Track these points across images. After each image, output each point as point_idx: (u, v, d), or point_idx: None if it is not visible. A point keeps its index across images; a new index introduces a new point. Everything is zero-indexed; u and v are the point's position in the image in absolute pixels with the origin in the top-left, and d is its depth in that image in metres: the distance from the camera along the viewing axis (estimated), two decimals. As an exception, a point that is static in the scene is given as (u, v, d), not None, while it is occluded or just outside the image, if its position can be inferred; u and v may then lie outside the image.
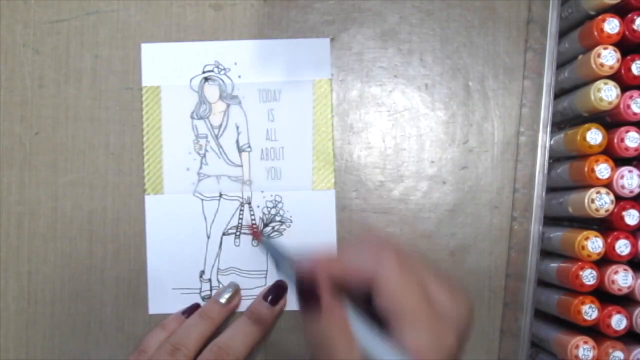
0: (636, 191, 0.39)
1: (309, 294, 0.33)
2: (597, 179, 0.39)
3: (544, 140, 0.42)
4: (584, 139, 0.39)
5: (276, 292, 0.43)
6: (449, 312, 0.34)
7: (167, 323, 0.43)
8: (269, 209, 0.45)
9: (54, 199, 0.45)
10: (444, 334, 0.33)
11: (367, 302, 0.34)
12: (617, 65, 0.38)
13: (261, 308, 0.43)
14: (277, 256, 0.40)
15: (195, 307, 0.44)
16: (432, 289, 0.35)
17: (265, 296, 0.43)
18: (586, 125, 0.39)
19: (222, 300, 0.43)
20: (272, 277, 0.45)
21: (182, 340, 0.40)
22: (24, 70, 0.46)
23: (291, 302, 0.45)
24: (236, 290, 0.44)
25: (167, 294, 0.44)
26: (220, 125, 0.45)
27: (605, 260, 0.39)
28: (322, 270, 0.33)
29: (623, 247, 0.39)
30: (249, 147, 0.45)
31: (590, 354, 0.39)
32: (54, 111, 0.46)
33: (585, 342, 0.39)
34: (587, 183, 0.39)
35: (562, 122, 0.43)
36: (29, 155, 0.45)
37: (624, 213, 0.39)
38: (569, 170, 0.41)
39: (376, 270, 0.33)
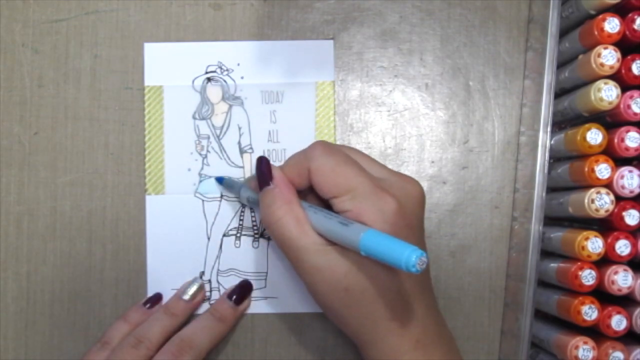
0: (636, 191, 0.39)
1: (264, 172, 0.39)
2: (597, 179, 0.39)
3: (544, 140, 0.42)
4: (584, 139, 0.39)
5: (241, 292, 0.44)
6: (390, 184, 0.38)
7: (128, 314, 0.43)
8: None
9: (53, 199, 0.45)
10: (384, 199, 0.36)
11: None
12: (617, 65, 0.38)
13: (225, 307, 0.43)
14: (236, 185, 0.44)
15: (156, 297, 0.44)
16: (370, 167, 0.39)
17: (229, 295, 0.44)
18: (586, 125, 0.39)
19: (186, 297, 0.44)
20: (272, 279, 0.45)
21: (146, 333, 0.41)
22: (23, 70, 0.45)
23: (282, 305, 0.45)
24: (200, 286, 0.44)
25: (166, 295, 0.44)
26: (222, 126, 0.45)
27: (605, 261, 0.39)
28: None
29: (623, 247, 0.39)
30: (251, 148, 0.45)
31: (590, 355, 0.39)
32: (53, 111, 0.45)
33: (585, 343, 0.39)
34: (587, 183, 0.39)
35: (563, 122, 0.43)
36: (28, 155, 0.45)
37: (624, 213, 0.39)
38: (569, 170, 0.41)
39: (308, 165, 0.38)
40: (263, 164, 0.39)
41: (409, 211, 0.37)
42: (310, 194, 0.40)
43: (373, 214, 0.35)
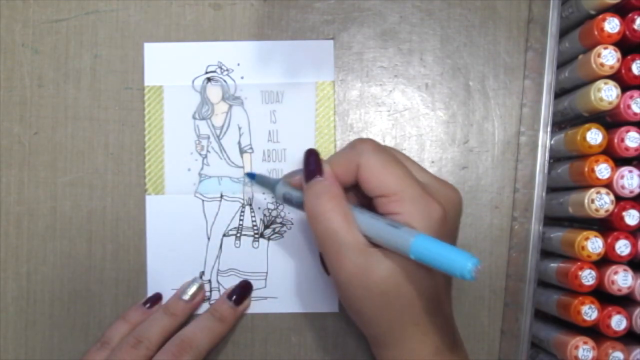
0: (636, 191, 0.39)
1: (313, 163, 0.38)
2: (597, 179, 0.39)
3: (544, 140, 0.42)
4: (584, 139, 0.39)
5: (240, 292, 0.44)
6: (435, 190, 0.37)
7: (128, 314, 0.43)
8: (270, 211, 0.45)
9: (53, 199, 0.45)
10: (431, 205, 0.36)
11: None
12: (617, 65, 0.38)
13: (225, 307, 0.43)
14: (271, 181, 0.42)
15: (156, 297, 0.44)
16: (416, 171, 0.38)
17: (229, 295, 0.44)
18: (586, 125, 0.39)
19: (186, 297, 0.44)
20: (272, 279, 0.45)
21: (145, 333, 0.41)
22: (23, 70, 0.45)
23: (282, 305, 0.45)
24: (200, 286, 0.44)
25: (166, 295, 0.44)
26: (222, 126, 0.45)
27: (605, 261, 0.39)
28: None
29: (623, 247, 0.39)
30: (251, 148, 0.45)
31: (590, 355, 0.39)
32: (53, 111, 0.45)
33: (585, 343, 0.39)
34: (587, 183, 0.39)
35: (563, 122, 0.43)
36: (28, 155, 0.45)
37: (624, 213, 0.39)
38: (569, 170, 0.41)
39: (358, 160, 0.37)
40: (313, 157, 0.39)
41: (451, 219, 0.37)
42: (349, 192, 0.39)
43: (422, 220, 0.35)
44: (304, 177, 0.39)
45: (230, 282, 0.45)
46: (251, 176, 0.44)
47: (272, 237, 0.45)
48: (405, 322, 0.36)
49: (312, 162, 0.38)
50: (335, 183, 0.38)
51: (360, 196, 0.39)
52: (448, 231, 0.37)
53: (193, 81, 0.45)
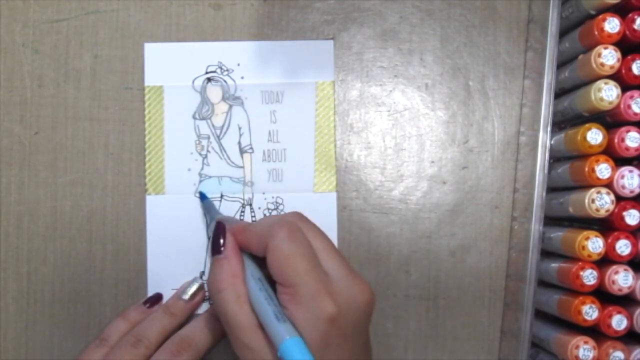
0: (637, 191, 0.39)
1: (217, 241, 0.39)
2: (598, 179, 0.39)
3: (544, 140, 0.42)
4: (585, 138, 0.39)
5: None
6: (339, 287, 0.37)
7: (127, 313, 0.43)
8: (270, 211, 0.45)
9: (54, 199, 0.45)
10: (323, 304, 0.36)
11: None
12: (617, 65, 0.38)
13: None
14: (212, 214, 0.43)
15: (156, 297, 0.44)
16: (331, 262, 0.38)
17: None
18: (586, 125, 0.39)
19: (186, 297, 0.44)
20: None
21: (145, 332, 0.41)
22: (23, 70, 0.45)
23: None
24: (200, 286, 0.44)
25: (166, 295, 0.44)
26: (223, 126, 0.45)
27: (605, 261, 0.39)
28: (231, 229, 0.40)
29: (623, 247, 0.39)
30: (251, 148, 0.45)
31: (591, 354, 0.39)
32: (53, 111, 0.45)
33: (586, 343, 0.39)
34: (587, 183, 0.39)
35: (563, 122, 0.43)
36: (28, 155, 0.45)
37: (624, 213, 0.39)
38: (569, 170, 0.41)
39: (268, 240, 0.37)
40: (219, 230, 0.39)
41: (348, 320, 0.36)
42: None
43: (305, 320, 0.35)
44: (210, 251, 0.40)
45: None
46: (202, 197, 0.44)
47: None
48: None
49: (217, 237, 0.39)
50: (234, 259, 0.39)
51: None
52: (341, 334, 0.36)
53: (193, 81, 0.45)
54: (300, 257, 0.37)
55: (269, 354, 0.36)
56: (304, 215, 0.40)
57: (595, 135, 0.39)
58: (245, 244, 0.39)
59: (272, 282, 0.37)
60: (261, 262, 0.39)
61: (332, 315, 0.35)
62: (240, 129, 0.45)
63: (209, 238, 0.44)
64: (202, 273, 0.45)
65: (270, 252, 0.37)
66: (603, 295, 0.39)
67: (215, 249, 0.39)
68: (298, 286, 0.36)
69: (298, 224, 0.38)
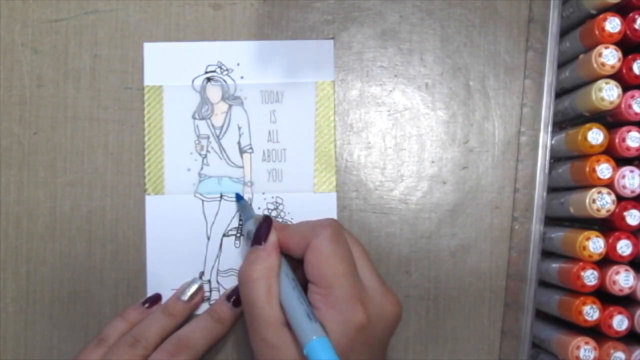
0: (637, 191, 0.39)
1: (262, 233, 0.39)
2: (599, 179, 0.38)
3: (545, 140, 0.42)
4: (585, 138, 0.39)
5: (239, 294, 0.44)
6: (372, 298, 0.37)
7: (126, 313, 0.43)
8: (269, 211, 0.45)
9: (53, 199, 0.45)
10: (355, 312, 0.36)
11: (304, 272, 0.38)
12: (618, 65, 0.38)
13: (223, 308, 0.43)
14: (247, 214, 0.43)
15: (156, 297, 0.44)
16: (366, 273, 0.38)
17: (228, 297, 0.43)
18: (587, 125, 0.39)
19: (185, 298, 0.43)
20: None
21: (143, 333, 0.41)
22: (23, 69, 0.45)
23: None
24: (200, 287, 0.44)
25: (166, 295, 0.44)
26: (222, 126, 0.45)
27: (606, 261, 0.39)
28: (274, 226, 0.40)
29: (624, 247, 0.39)
30: (251, 148, 0.45)
31: (592, 355, 0.39)
32: (52, 111, 0.45)
33: (587, 343, 0.39)
34: (588, 183, 0.39)
35: (563, 122, 0.43)
36: (27, 155, 0.45)
37: (625, 213, 0.39)
38: (570, 170, 0.41)
39: (311, 238, 0.37)
40: (264, 225, 0.40)
41: (376, 331, 0.37)
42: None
43: (336, 323, 0.35)
44: (252, 241, 0.40)
45: (230, 282, 0.45)
46: (238, 198, 0.44)
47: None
48: None
49: (262, 230, 0.40)
50: (274, 254, 0.39)
51: None
52: (366, 342, 0.36)
53: (193, 81, 0.45)
54: (340, 259, 0.37)
55: (290, 352, 0.36)
56: (340, 222, 0.40)
57: (596, 135, 0.39)
58: (285, 242, 0.39)
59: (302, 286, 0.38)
60: (294, 265, 0.39)
61: (362, 323, 0.36)
62: (240, 128, 0.45)
63: (241, 235, 0.44)
64: (202, 273, 0.45)
65: (311, 250, 0.37)
66: (604, 296, 0.39)
67: (257, 239, 0.39)
68: (333, 288, 0.36)
69: (340, 228, 0.39)
